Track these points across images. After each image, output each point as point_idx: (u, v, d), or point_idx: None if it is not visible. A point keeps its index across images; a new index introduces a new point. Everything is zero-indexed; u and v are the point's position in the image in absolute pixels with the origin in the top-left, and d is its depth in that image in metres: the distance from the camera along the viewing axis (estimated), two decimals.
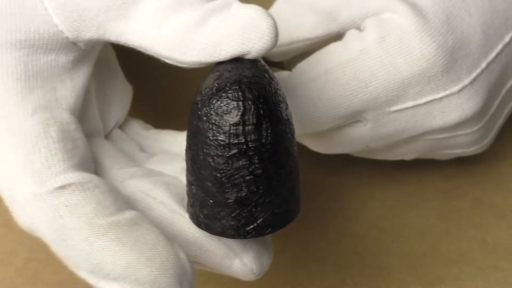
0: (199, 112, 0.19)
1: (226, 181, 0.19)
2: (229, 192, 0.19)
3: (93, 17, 0.21)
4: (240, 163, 0.19)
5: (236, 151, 0.19)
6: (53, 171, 0.20)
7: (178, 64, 0.22)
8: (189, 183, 0.21)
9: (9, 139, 0.21)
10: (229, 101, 0.19)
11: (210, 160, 0.19)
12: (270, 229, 0.20)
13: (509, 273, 0.31)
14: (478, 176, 0.34)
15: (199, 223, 0.21)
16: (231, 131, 0.19)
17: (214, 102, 0.19)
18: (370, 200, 0.34)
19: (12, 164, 0.20)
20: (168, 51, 0.21)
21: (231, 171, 0.19)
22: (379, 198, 0.34)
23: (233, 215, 0.20)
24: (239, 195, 0.20)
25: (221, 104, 0.19)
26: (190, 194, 0.21)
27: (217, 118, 0.19)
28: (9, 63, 0.21)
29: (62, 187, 0.20)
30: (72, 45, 0.22)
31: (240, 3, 0.21)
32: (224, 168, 0.19)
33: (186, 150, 0.21)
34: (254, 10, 0.21)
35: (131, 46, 0.22)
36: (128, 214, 0.20)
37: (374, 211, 0.33)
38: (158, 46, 0.21)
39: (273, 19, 0.21)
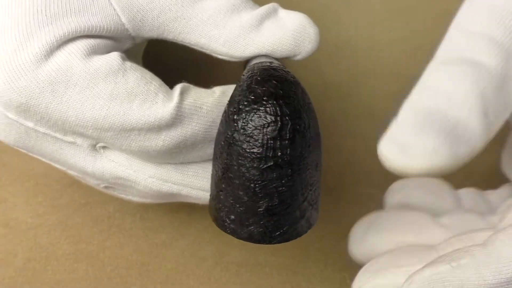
0: (235, 124, 0.20)
1: (259, 191, 0.20)
2: (261, 201, 0.20)
3: (155, 17, 0.24)
4: (274, 175, 0.20)
5: (271, 163, 0.20)
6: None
7: (232, 60, 0.25)
8: (217, 189, 0.21)
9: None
10: (266, 115, 0.19)
11: (244, 170, 0.20)
12: (293, 236, 0.21)
13: None
14: (476, 176, 0.34)
15: (224, 227, 0.21)
16: (268, 145, 0.19)
17: (251, 115, 0.20)
18: (370, 200, 0.34)
19: None
20: (226, 49, 0.24)
21: (265, 182, 0.20)
22: (379, 198, 0.34)
23: (262, 222, 0.20)
24: (270, 204, 0.20)
25: (259, 118, 0.20)
26: (216, 198, 0.22)
27: (255, 132, 0.20)
28: (73, 47, 0.22)
29: None
30: (131, 39, 0.25)
31: (284, 10, 0.25)
32: (259, 179, 0.20)
33: (216, 157, 0.21)
34: (301, 16, 0.24)
35: (186, 43, 0.25)
36: None
37: (374, 211, 0.33)
38: (217, 44, 0.24)
39: (316, 25, 0.24)
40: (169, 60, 0.35)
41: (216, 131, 0.23)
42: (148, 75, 0.23)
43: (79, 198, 0.32)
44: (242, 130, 0.20)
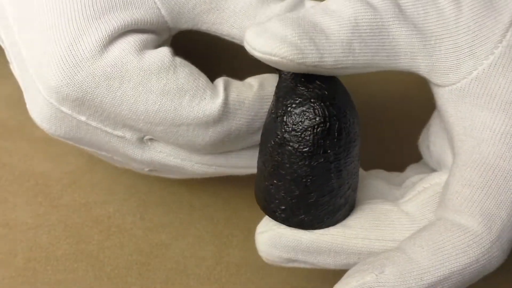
0: (285, 125, 0.21)
1: (310, 185, 0.22)
2: (312, 194, 0.22)
3: (191, 9, 0.25)
4: (324, 170, 0.21)
5: (322, 160, 0.21)
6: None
7: None
8: (267, 182, 0.23)
9: None
10: (316, 117, 0.21)
11: (296, 167, 0.21)
12: (340, 220, 0.23)
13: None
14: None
15: (275, 216, 0.23)
16: (318, 144, 0.21)
17: (301, 117, 0.21)
18: None
19: None
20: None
21: (316, 177, 0.21)
22: None
23: (312, 211, 0.22)
24: (319, 195, 0.22)
25: (309, 120, 0.21)
26: (265, 190, 0.23)
27: (306, 133, 0.21)
28: (125, 42, 0.23)
29: None
30: (169, 30, 0.25)
31: (311, 0, 0.25)
32: (310, 174, 0.21)
33: (265, 153, 0.22)
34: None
35: (219, 34, 0.26)
36: None
37: None
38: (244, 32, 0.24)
39: None
40: None
41: (257, 124, 0.24)
42: (196, 71, 0.24)
43: (79, 198, 0.32)
44: (293, 132, 0.21)
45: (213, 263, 0.31)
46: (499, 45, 0.22)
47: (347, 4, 0.21)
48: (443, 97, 0.23)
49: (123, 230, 0.32)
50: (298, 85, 0.21)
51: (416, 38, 0.22)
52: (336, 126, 0.21)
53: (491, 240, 0.21)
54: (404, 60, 0.22)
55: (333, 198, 0.22)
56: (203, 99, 0.23)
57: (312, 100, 0.21)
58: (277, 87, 0.22)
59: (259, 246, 0.24)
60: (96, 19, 0.23)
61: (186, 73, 0.23)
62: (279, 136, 0.21)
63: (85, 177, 0.33)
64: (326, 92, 0.21)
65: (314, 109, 0.21)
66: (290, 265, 0.24)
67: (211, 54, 0.35)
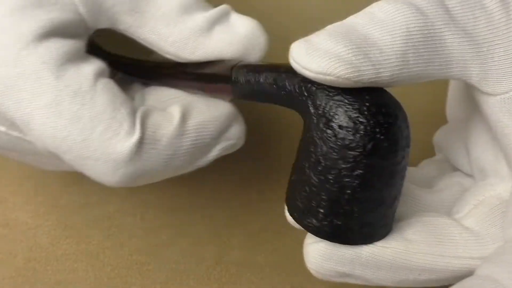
0: (332, 137, 0.19)
1: (353, 197, 0.20)
2: (351, 206, 0.20)
3: (110, 7, 0.23)
4: (368, 185, 0.20)
5: (367, 171, 0.19)
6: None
7: (179, 60, 0.24)
8: (306, 188, 0.21)
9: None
10: (362, 129, 0.19)
11: (345, 179, 0.19)
12: (380, 238, 0.21)
13: None
14: None
15: (320, 229, 0.21)
16: (364, 154, 0.19)
17: (354, 129, 0.19)
18: None
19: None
20: (174, 49, 0.24)
21: (360, 191, 0.20)
22: None
23: (351, 222, 0.20)
24: (356, 208, 0.20)
25: (356, 130, 0.19)
26: (302, 196, 0.21)
27: (352, 145, 0.19)
28: (43, 52, 0.22)
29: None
30: (86, 31, 0.24)
31: (236, 14, 0.24)
32: (355, 187, 0.20)
33: (310, 166, 0.20)
34: (252, 22, 0.24)
35: (135, 37, 0.24)
36: None
37: None
38: (165, 42, 0.24)
39: (265, 32, 0.24)
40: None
41: (176, 163, 0.23)
42: (120, 99, 0.22)
43: (79, 198, 0.32)
44: (338, 143, 0.19)
45: (213, 263, 0.31)
46: None
47: (396, 11, 0.19)
48: (494, 106, 0.21)
49: (123, 230, 0.32)
50: (346, 97, 0.19)
51: (469, 45, 0.20)
52: (394, 134, 0.19)
53: None
54: (456, 69, 0.20)
55: (388, 209, 0.21)
56: (116, 134, 0.21)
57: (364, 111, 0.19)
58: (316, 102, 0.20)
59: (310, 258, 0.21)
60: (6, 16, 0.21)
61: (105, 101, 0.21)
62: (322, 149, 0.20)
63: (85, 177, 0.33)
64: (377, 101, 0.19)
65: (367, 121, 0.19)
66: (341, 280, 0.22)
67: None
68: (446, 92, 0.27)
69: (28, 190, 0.32)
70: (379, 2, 0.20)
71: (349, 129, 0.19)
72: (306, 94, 0.20)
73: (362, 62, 0.19)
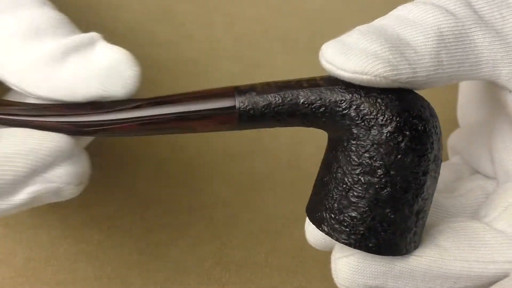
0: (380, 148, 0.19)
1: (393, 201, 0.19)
2: (388, 211, 0.19)
3: None
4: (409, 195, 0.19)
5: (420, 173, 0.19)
6: None
7: (26, 94, 0.20)
8: (344, 205, 0.20)
9: None
10: (407, 130, 0.19)
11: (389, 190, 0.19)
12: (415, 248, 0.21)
13: None
14: None
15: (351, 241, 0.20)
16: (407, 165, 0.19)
17: (393, 135, 0.19)
18: None
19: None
20: (16, 80, 0.20)
21: (394, 201, 0.19)
22: None
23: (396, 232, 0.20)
24: (392, 215, 0.20)
25: (397, 134, 0.19)
26: (340, 208, 0.20)
27: (397, 159, 0.19)
28: None
29: None
30: None
31: (105, 43, 0.21)
32: (391, 198, 0.19)
33: (350, 180, 0.20)
34: (119, 54, 0.20)
35: None
36: None
37: None
38: (7, 72, 0.20)
39: (137, 65, 0.20)
40: (168, 59, 0.35)
41: None
42: None
43: (79, 198, 0.32)
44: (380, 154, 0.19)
45: (213, 263, 0.31)
46: None
47: (426, 13, 0.19)
48: None
49: (123, 230, 0.32)
50: (381, 97, 0.19)
51: (499, 44, 0.20)
52: (429, 136, 0.19)
53: None
54: (486, 70, 0.20)
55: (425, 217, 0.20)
56: None
57: (398, 117, 0.19)
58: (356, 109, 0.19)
59: (340, 273, 0.21)
60: None
61: None
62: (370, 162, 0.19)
63: None
64: (408, 104, 0.19)
65: (404, 125, 0.19)
66: None
67: None
68: (452, 97, 0.27)
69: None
70: (405, 5, 0.20)
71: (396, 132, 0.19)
72: (343, 105, 0.19)
73: (399, 60, 0.18)
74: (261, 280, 0.32)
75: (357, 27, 0.19)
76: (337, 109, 0.19)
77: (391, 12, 0.20)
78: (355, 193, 0.19)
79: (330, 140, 0.21)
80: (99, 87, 0.20)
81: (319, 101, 0.19)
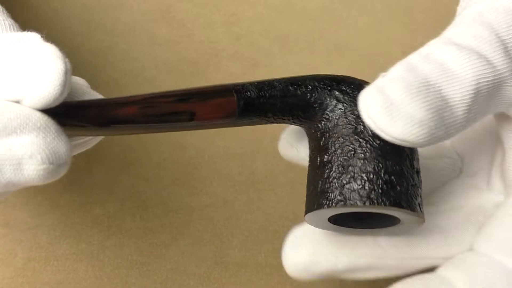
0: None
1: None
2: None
3: None
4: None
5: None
6: None
7: None
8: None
9: None
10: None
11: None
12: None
13: None
14: None
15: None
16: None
17: None
18: None
19: None
20: None
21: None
22: None
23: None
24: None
25: None
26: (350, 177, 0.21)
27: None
28: None
29: None
30: None
31: (41, 42, 0.18)
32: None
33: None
34: (44, 50, 0.18)
35: None
36: None
37: None
38: None
39: (65, 63, 0.18)
40: (168, 59, 0.35)
41: None
42: None
43: (79, 198, 0.32)
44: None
45: (213, 263, 0.31)
46: None
47: (468, 63, 0.19)
48: None
49: (123, 230, 0.32)
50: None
51: None
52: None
53: None
54: (505, 108, 0.20)
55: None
56: None
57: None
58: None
59: (289, 266, 0.23)
60: None
61: None
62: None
63: (85, 177, 0.33)
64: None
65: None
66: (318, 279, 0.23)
67: None
68: None
69: (28, 190, 0.32)
70: (450, 46, 0.19)
71: None
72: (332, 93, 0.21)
73: (438, 127, 0.18)
74: (261, 280, 0.32)
75: (400, 70, 0.19)
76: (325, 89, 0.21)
77: (435, 52, 0.19)
78: (361, 155, 0.20)
79: (317, 129, 0.21)
80: (11, 84, 0.18)
81: (310, 85, 0.21)
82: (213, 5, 0.36)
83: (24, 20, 0.33)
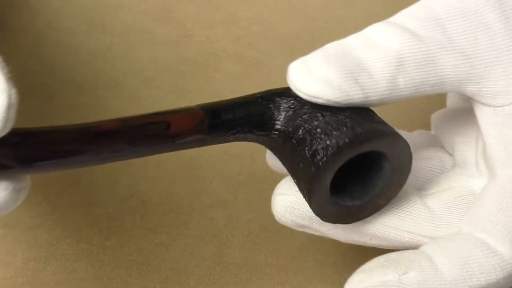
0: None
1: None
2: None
3: None
4: None
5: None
6: None
7: None
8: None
9: None
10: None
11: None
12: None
13: None
14: None
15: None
16: None
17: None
18: None
19: None
20: None
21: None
22: None
23: None
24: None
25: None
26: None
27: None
28: None
29: None
30: None
31: None
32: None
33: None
34: None
35: None
36: None
37: None
38: None
39: (9, 97, 0.17)
40: (168, 59, 0.35)
41: None
42: None
43: (79, 198, 0.32)
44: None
45: (213, 263, 0.31)
46: None
47: (393, 37, 0.21)
48: (487, 115, 0.22)
49: (123, 230, 0.32)
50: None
51: (464, 66, 0.21)
52: None
53: None
54: (449, 87, 0.22)
55: None
56: None
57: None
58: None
59: (275, 207, 0.24)
60: None
61: None
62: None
63: (85, 177, 0.33)
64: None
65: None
66: (301, 229, 0.24)
67: None
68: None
69: (28, 190, 0.32)
70: (378, 24, 0.21)
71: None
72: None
73: (351, 87, 0.20)
74: (261, 280, 0.32)
75: (327, 45, 0.21)
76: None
77: (365, 29, 0.22)
78: (321, 121, 0.21)
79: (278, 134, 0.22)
80: None
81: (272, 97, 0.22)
82: (213, 5, 0.36)
83: (24, 20, 0.33)
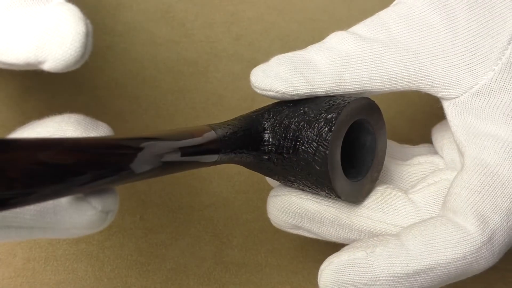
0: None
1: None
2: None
3: None
4: None
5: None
6: None
7: None
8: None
9: None
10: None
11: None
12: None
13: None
14: None
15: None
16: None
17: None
18: None
19: None
20: None
21: None
22: None
23: None
24: None
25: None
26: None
27: None
28: None
29: None
30: None
31: (63, 2, 0.18)
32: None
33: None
34: (65, 10, 0.18)
35: None
36: None
37: None
38: None
39: (86, 25, 0.18)
40: (168, 59, 0.35)
41: None
42: None
43: None
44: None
45: (213, 263, 0.31)
46: (498, 62, 0.23)
47: (341, 41, 0.24)
48: (448, 108, 0.24)
49: (123, 230, 0.32)
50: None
51: (410, 61, 0.23)
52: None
53: (482, 241, 0.21)
54: (401, 84, 0.24)
55: None
56: None
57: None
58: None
59: (270, 208, 0.25)
60: None
61: None
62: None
63: None
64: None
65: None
66: (294, 231, 0.26)
67: None
68: None
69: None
70: (334, 34, 0.24)
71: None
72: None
73: (297, 79, 0.23)
74: (261, 280, 0.32)
75: (283, 54, 0.24)
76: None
77: (325, 40, 0.24)
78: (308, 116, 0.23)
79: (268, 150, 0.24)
80: (33, 45, 0.18)
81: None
82: (213, 5, 0.36)
83: None
